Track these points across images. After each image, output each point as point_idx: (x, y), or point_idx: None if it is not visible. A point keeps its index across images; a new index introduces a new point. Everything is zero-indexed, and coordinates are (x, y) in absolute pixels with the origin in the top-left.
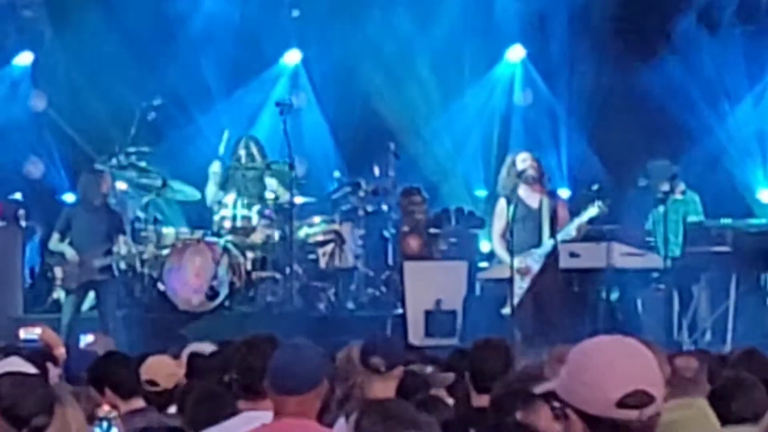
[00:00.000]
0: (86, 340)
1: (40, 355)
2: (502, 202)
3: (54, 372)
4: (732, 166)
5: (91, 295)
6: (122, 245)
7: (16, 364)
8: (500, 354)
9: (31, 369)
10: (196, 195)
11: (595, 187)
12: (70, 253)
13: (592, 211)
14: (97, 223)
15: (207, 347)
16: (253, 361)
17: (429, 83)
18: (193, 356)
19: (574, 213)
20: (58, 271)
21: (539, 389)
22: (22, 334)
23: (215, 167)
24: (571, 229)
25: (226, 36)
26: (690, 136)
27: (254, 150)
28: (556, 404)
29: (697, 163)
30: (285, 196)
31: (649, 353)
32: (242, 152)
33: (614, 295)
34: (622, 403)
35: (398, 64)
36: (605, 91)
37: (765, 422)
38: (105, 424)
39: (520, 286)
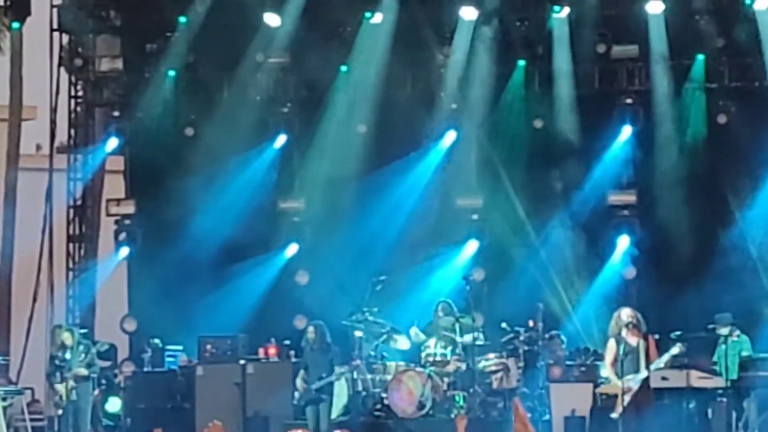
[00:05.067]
0: None
1: None
2: (612, 342)
3: None
4: None
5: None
6: (357, 373)
7: None
8: None
9: None
10: (407, 345)
11: (677, 333)
12: (300, 383)
13: (675, 350)
14: (321, 358)
15: None
16: None
17: (565, 272)
18: None
19: (662, 349)
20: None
21: None
22: None
23: (413, 331)
24: (660, 363)
25: (421, 231)
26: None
27: (448, 309)
28: None
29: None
30: (468, 340)
31: None
32: (441, 313)
33: (692, 405)
34: None
35: (551, 263)
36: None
37: None
38: None
39: (625, 399)
